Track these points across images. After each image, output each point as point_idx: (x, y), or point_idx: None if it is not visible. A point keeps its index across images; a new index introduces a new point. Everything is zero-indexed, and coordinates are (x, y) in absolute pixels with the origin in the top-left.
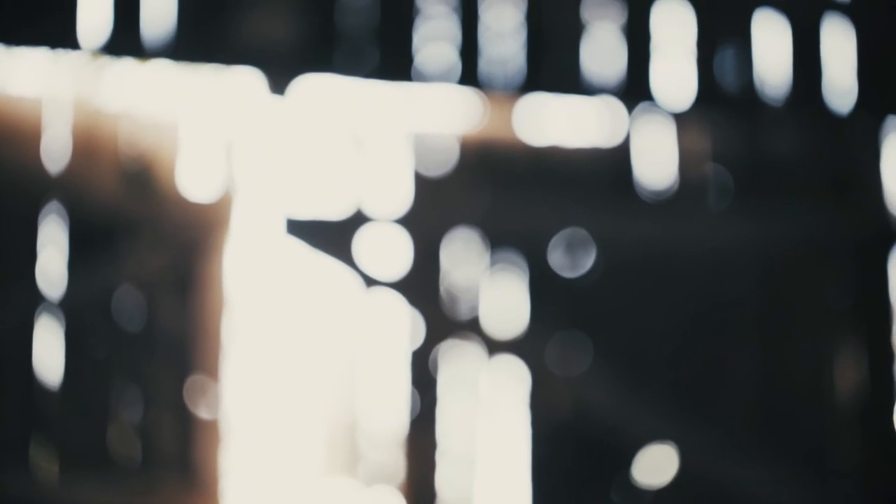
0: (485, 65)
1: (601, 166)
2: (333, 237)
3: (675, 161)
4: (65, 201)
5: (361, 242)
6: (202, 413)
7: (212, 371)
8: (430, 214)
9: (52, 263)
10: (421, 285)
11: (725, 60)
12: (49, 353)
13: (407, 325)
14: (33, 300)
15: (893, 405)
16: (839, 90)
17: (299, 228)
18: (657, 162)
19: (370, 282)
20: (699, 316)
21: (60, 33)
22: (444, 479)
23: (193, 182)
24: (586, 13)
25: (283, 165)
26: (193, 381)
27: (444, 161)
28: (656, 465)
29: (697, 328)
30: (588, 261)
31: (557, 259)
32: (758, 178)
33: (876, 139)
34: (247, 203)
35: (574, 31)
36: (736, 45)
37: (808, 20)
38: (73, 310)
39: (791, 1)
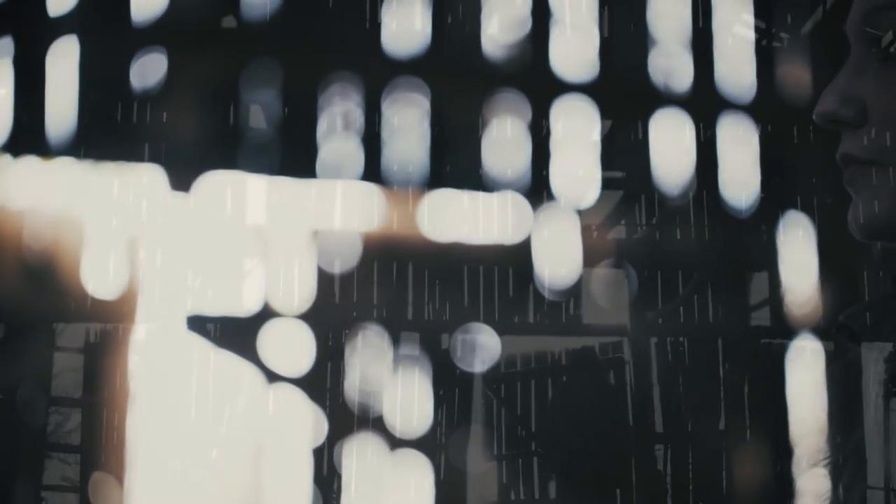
0: (388, 161)
1: (504, 262)
2: (237, 333)
3: (578, 257)
4: None
5: (265, 338)
6: None
7: (115, 468)
8: (334, 310)
9: None
10: (324, 381)
11: (627, 156)
12: None
13: (310, 420)
14: None
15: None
16: (739, 186)
17: (203, 324)
18: (560, 258)
19: (273, 377)
20: (601, 410)
21: None
22: None
23: (97, 278)
24: (490, 110)
25: (187, 262)
26: (97, 478)
27: (347, 257)
28: None
29: (600, 422)
30: (491, 356)
31: (460, 354)
32: (659, 273)
33: (775, 235)
34: (151, 299)
35: (477, 127)
36: (637, 141)
37: (708, 117)
38: None
39: (692, 99)
